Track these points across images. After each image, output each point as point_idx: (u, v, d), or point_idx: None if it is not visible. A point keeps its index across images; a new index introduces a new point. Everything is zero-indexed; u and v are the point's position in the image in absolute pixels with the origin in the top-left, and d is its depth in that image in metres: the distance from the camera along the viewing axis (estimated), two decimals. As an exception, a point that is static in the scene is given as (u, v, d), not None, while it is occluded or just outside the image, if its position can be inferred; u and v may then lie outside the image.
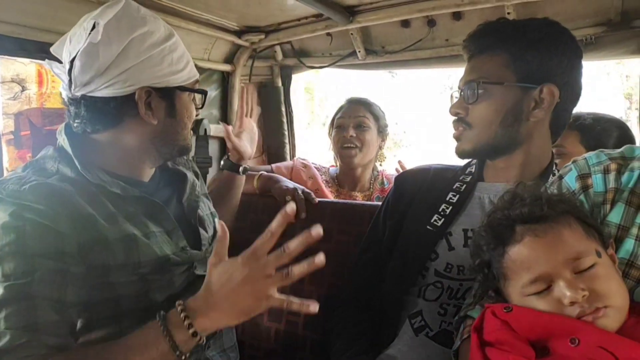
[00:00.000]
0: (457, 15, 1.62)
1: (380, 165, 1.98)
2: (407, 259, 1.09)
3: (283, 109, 2.20)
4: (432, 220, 1.09)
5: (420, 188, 1.16)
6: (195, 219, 1.12)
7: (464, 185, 1.12)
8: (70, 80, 0.95)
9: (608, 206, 0.84)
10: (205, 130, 1.89)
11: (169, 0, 1.46)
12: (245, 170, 1.43)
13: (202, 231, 1.11)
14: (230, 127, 1.43)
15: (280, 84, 2.17)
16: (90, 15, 0.96)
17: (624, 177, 0.84)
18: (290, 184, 1.56)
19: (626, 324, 0.72)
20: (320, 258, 0.85)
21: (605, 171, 0.86)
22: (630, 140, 1.45)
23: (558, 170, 1.10)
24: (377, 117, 1.91)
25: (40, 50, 1.33)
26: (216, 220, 1.20)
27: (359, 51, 1.84)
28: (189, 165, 1.24)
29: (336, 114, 1.95)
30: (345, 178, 1.93)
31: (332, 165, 2.01)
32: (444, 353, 0.97)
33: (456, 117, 1.10)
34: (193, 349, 0.82)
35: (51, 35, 1.32)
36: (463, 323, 0.91)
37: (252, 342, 1.40)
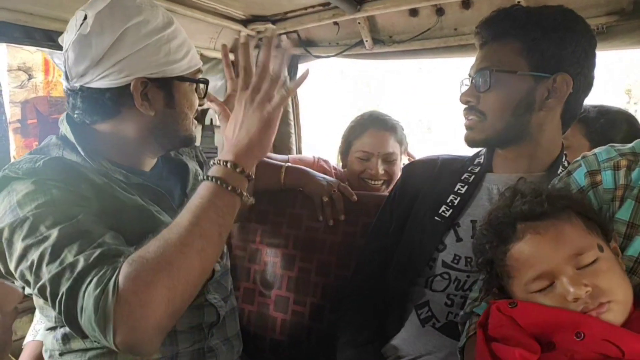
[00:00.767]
0: (466, 4, 1.59)
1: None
2: (414, 250, 1.08)
3: (289, 99, 2.18)
4: (440, 211, 1.08)
5: (428, 178, 1.15)
6: None
7: (473, 176, 1.11)
8: (66, 72, 0.94)
9: (617, 203, 0.83)
10: (212, 120, 1.89)
11: (175, -12, 1.45)
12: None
13: None
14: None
15: (286, 73, 2.13)
16: (85, 4, 0.95)
17: (634, 174, 0.82)
18: (325, 180, 1.44)
19: (631, 318, 0.72)
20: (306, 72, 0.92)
21: (616, 167, 0.84)
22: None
23: (568, 162, 1.09)
24: (402, 141, 1.73)
25: (47, 39, 1.33)
26: None
27: (366, 40, 1.82)
28: (192, 154, 1.22)
29: (355, 134, 1.72)
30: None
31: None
32: (450, 344, 0.97)
33: (467, 105, 1.08)
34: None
35: (57, 23, 1.31)
36: (469, 320, 0.90)
37: (258, 332, 1.40)
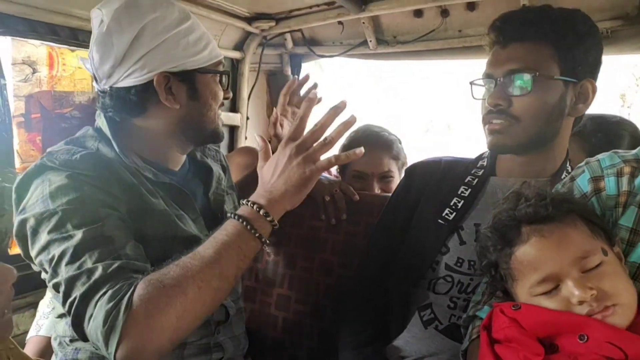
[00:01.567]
0: (471, 6, 1.59)
1: None
2: (417, 252, 1.08)
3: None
4: (443, 214, 1.08)
5: (431, 181, 1.15)
6: (222, 213, 1.14)
7: (476, 180, 1.11)
8: (94, 74, 0.98)
9: (620, 209, 0.83)
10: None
11: (180, -15, 1.45)
12: None
13: None
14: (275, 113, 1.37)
15: (289, 72, 2.15)
16: (100, 3, 0.97)
17: (638, 181, 0.82)
18: (327, 179, 1.43)
19: (635, 321, 0.72)
20: (360, 149, 0.95)
21: (619, 174, 0.84)
22: None
23: (572, 168, 1.09)
24: (398, 157, 1.66)
25: (51, 32, 1.33)
26: None
27: (370, 41, 1.82)
28: (217, 157, 1.25)
29: (349, 148, 1.67)
30: None
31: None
32: (453, 346, 0.98)
33: (494, 109, 1.02)
34: (255, 253, 0.91)
35: (62, 17, 1.31)
36: (471, 323, 0.91)
37: (259, 331, 1.40)
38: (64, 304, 0.83)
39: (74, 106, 1.45)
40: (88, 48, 1.00)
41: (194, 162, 1.17)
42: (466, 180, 1.11)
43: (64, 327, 0.99)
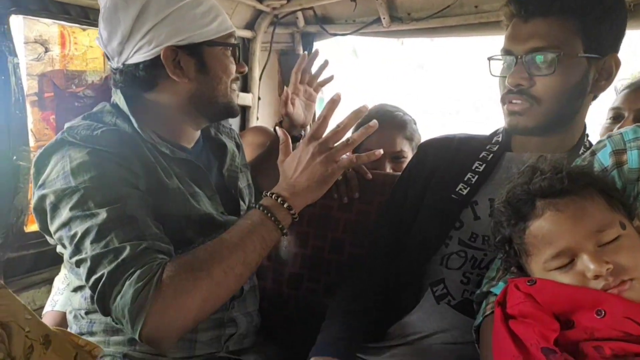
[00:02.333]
0: (488, -20, 1.55)
1: None
2: (430, 228, 1.07)
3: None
4: (457, 189, 1.06)
5: (444, 156, 1.13)
6: (235, 189, 1.14)
7: (491, 155, 1.08)
8: (106, 52, 0.98)
9: None
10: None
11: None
12: (294, 139, 1.34)
13: (240, 202, 1.13)
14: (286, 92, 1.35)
15: (301, 51, 2.12)
16: None
17: None
18: None
19: None
20: (380, 151, 1.02)
21: None
22: None
23: (590, 142, 1.06)
24: (412, 137, 1.64)
25: (62, 11, 1.32)
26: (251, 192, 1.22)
27: (384, 18, 1.78)
28: (232, 134, 1.24)
29: (363, 127, 1.69)
30: None
31: None
32: (465, 322, 0.97)
33: (514, 88, 0.98)
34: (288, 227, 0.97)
35: (73, -5, 1.31)
36: (485, 299, 0.90)
37: (271, 310, 1.40)
38: (87, 279, 0.85)
39: (86, 85, 1.45)
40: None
41: (208, 139, 1.17)
42: (480, 156, 1.09)
43: (80, 300, 1.01)
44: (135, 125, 0.97)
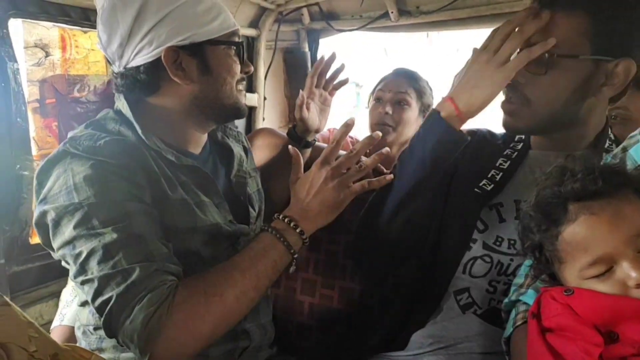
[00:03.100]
0: (500, -30, 1.49)
1: None
2: (454, 225, 1.01)
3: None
4: (480, 184, 1.01)
5: (466, 150, 1.08)
6: (244, 196, 1.10)
7: (515, 153, 1.04)
8: (107, 56, 0.95)
9: None
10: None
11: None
12: (307, 145, 1.32)
13: (250, 209, 1.09)
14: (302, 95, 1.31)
15: (307, 48, 2.07)
16: None
17: None
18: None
19: None
20: (387, 149, 1.02)
21: None
22: None
23: (614, 135, 1.01)
24: (421, 94, 1.72)
25: (62, 13, 1.28)
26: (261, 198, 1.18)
27: (392, 12, 1.72)
28: (239, 138, 1.20)
29: (377, 85, 1.79)
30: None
31: None
32: (492, 332, 0.93)
33: (511, 83, 0.94)
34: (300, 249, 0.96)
35: (73, -3, 1.26)
36: (514, 308, 0.85)
37: (285, 317, 1.37)
38: (93, 300, 0.82)
39: (89, 90, 1.41)
40: (99, 29, 0.96)
41: (214, 144, 1.13)
42: (505, 153, 1.04)
43: (88, 315, 0.97)
44: (140, 131, 0.94)
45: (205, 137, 1.08)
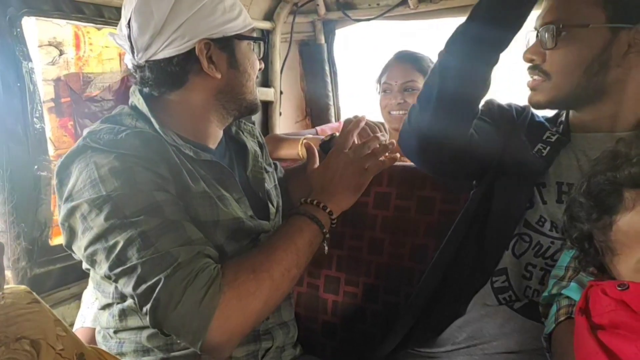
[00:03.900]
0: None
1: None
2: (515, 189, 0.98)
3: (327, 67, 2.07)
4: (535, 149, 0.98)
5: (510, 119, 1.05)
6: (263, 192, 1.08)
7: (555, 136, 0.99)
8: (132, 46, 0.92)
9: None
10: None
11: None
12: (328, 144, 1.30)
13: (269, 205, 1.07)
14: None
15: (323, 40, 2.03)
16: None
17: None
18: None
19: None
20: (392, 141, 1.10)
21: None
22: None
23: None
24: (427, 73, 1.73)
25: (76, 10, 1.26)
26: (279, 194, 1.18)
27: (411, -1, 1.68)
28: (253, 133, 1.18)
29: (382, 73, 1.77)
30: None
31: None
32: (531, 327, 0.89)
33: (531, 64, 0.97)
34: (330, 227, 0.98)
35: (86, -7, 1.24)
36: (556, 302, 0.80)
37: (308, 315, 1.34)
38: (136, 288, 0.79)
39: (104, 88, 1.39)
40: (114, 25, 0.97)
41: (230, 140, 1.11)
42: (544, 137, 1.00)
43: (108, 318, 0.95)
44: (157, 126, 0.93)
45: (221, 132, 1.06)
